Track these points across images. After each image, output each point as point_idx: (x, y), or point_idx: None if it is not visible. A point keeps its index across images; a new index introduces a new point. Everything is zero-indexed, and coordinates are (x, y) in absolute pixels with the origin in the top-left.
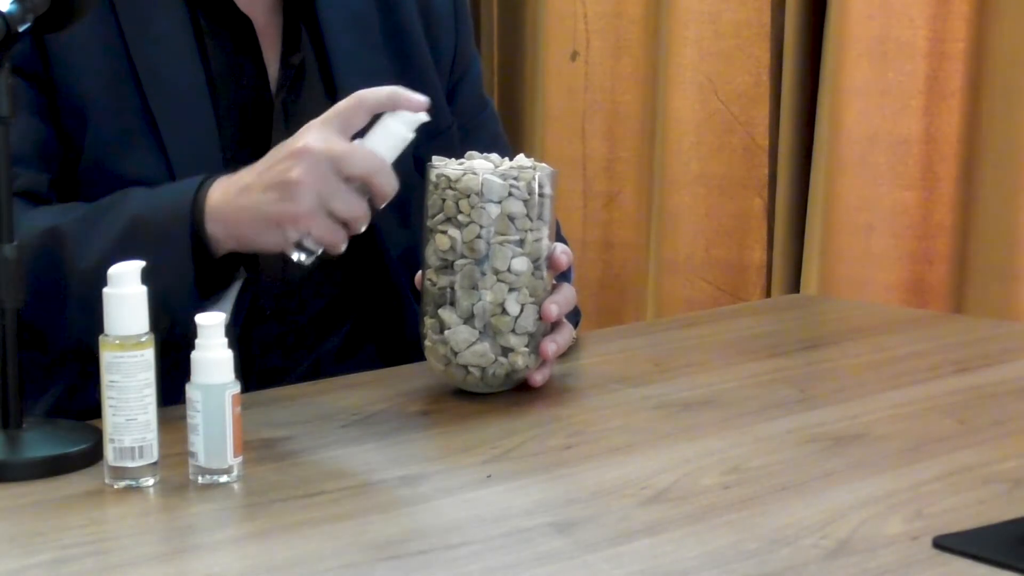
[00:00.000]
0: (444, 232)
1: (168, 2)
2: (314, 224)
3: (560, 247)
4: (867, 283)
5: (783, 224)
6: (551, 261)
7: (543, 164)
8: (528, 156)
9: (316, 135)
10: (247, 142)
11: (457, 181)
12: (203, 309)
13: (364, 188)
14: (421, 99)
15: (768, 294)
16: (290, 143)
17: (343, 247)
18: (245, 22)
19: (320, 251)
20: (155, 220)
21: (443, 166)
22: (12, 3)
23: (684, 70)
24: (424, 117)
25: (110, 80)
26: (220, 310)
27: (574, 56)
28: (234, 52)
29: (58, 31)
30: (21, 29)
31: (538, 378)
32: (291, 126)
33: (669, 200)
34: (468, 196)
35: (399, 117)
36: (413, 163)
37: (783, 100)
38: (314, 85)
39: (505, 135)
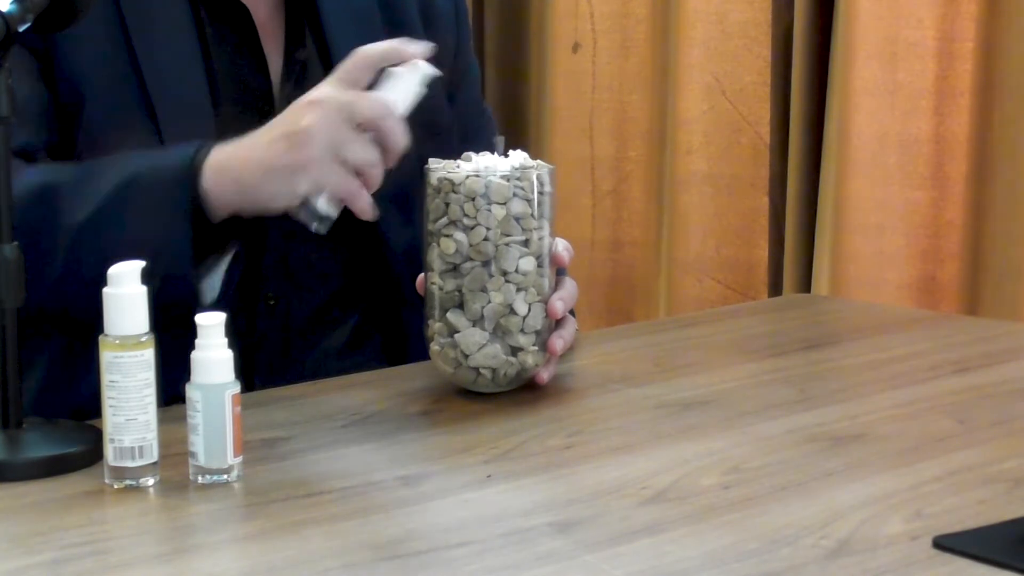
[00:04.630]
0: (449, 236)
1: None
2: (326, 172)
3: (561, 243)
4: (878, 283)
5: (794, 224)
6: (553, 257)
7: (540, 161)
8: (535, 156)
9: (324, 88)
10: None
11: (461, 184)
12: (194, 272)
13: (376, 139)
14: (420, 49)
15: (779, 294)
16: (299, 99)
17: (364, 202)
18: (244, 13)
19: (335, 215)
20: (152, 175)
21: (443, 169)
22: (12, 3)
23: (691, 70)
24: (432, 70)
25: (110, 69)
26: (209, 281)
27: (575, 48)
28: (235, 45)
29: (58, 31)
30: (21, 29)
31: (544, 375)
32: None
33: (678, 199)
34: (473, 199)
35: (407, 71)
36: (416, 161)
37: (792, 100)
38: (318, 80)
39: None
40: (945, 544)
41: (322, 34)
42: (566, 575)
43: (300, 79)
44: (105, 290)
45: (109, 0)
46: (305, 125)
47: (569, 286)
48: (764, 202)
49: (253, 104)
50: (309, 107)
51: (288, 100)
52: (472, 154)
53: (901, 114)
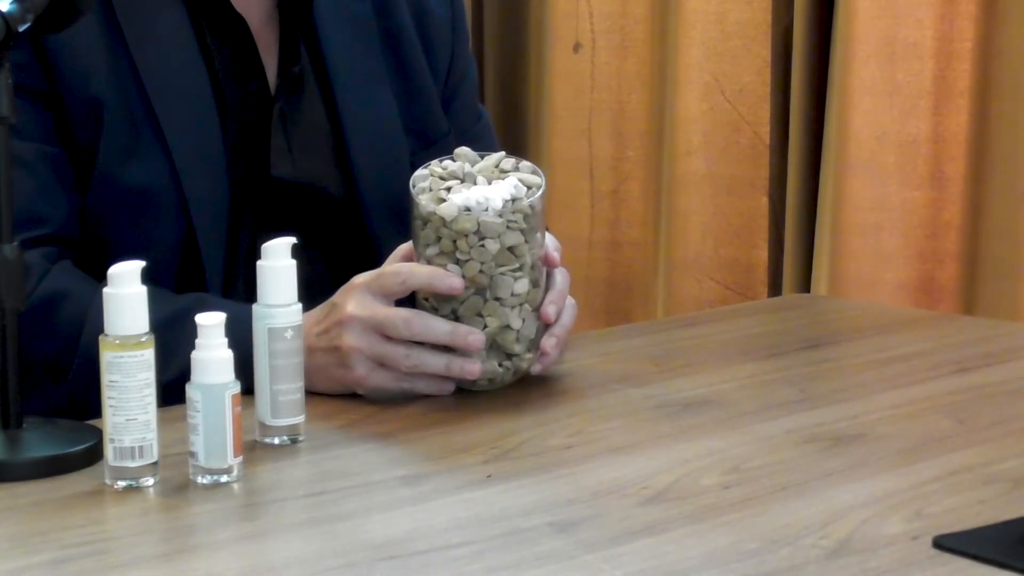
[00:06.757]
0: (443, 265)
1: (168, 5)
2: (379, 382)
3: (551, 243)
4: (877, 282)
5: (793, 224)
6: (544, 260)
7: (527, 163)
8: (534, 157)
9: (352, 302)
10: (247, 143)
11: (453, 222)
12: None
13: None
14: (456, 283)
15: (778, 294)
16: (337, 308)
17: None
18: (241, 23)
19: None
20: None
21: (428, 192)
22: (12, 3)
23: (690, 70)
24: None
25: (116, 84)
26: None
27: (576, 48)
28: (232, 54)
29: (58, 31)
30: (21, 29)
31: (537, 368)
32: (289, 131)
33: (677, 199)
34: (465, 236)
35: None
36: (410, 171)
37: (792, 100)
38: (311, 90)
39: (498, 145)
40: (945, 544)
41: (317, 43)
42: (566, 575)
43: (296, 89)
44: (105, 290)
45: (109, 15)
46: (344, 345)
47: (559, 282)
48: (763, 202)
49: (252, 111)
50: (344, 325)
51: (282, 112)
52: (451, 164)
53: (900, 114)
